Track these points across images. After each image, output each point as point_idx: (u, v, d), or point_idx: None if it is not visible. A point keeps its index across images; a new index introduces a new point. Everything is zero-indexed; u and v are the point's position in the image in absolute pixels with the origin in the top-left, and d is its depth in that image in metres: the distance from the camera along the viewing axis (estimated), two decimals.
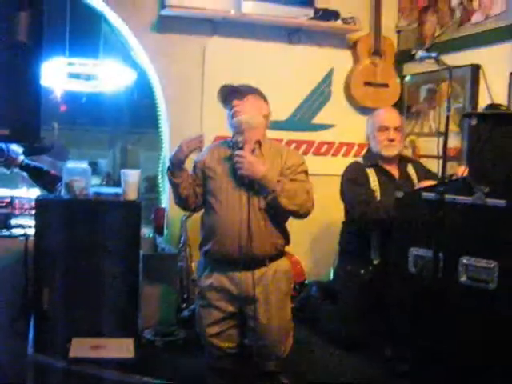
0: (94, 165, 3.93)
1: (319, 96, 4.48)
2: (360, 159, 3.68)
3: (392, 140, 3.49)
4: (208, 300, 2.99)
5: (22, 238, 3.61)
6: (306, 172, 3.01)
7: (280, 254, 3.02)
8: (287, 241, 3.05)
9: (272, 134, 4.29)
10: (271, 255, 2.96)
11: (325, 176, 4.26)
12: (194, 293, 3.32)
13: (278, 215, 2.94)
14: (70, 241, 2.98)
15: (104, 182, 4.17)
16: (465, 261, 2.72)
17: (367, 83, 4.43)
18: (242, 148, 2.89)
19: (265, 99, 3.06)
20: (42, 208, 3.06)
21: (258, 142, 2.98)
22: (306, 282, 4.10)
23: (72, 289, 2.98)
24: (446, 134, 2.81)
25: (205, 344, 3.02)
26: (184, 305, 3.57)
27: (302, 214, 2.92)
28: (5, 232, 3.71)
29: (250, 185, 2.88)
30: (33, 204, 3.61)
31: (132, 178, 3.18)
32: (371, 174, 3.49)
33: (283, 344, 2.98)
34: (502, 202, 2.63)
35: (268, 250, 2.94)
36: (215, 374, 2.98)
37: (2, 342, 3.23)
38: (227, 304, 2.96)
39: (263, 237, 2.91)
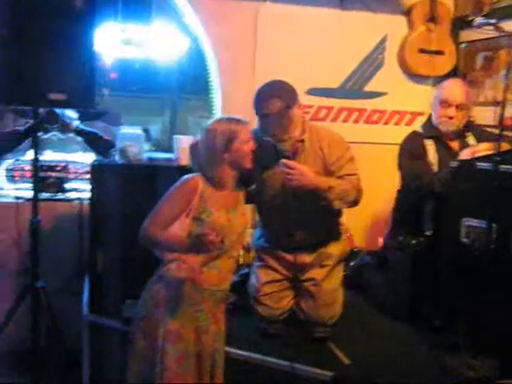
0: (145, 131, 4.00)
1: (372, 63, 4.44)
2: (420, 128, 3.62)
3: (451, 117, 3.39)
4: (265, 262, 3.10)
5: (76, 202, 3.76)
6: (351, 159, 2.96)
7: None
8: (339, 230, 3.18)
9: (323, 101, 4.36)
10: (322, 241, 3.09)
11: (376, 144, 4.27)
12: (245, 260, 3.40)
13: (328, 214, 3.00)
14: (125, 205, 3.07)
15: (153, 149, 4.25)
16: None
17: (422, 50, 4.36)
18: (288, 157, 2.79)
19: (292, 99, 2.83)
20: (97, 173, 3.15)
21: (301, 141, 2.90)
22: (356, 250, 4.13)
23: (126, 252, 3.09)
24: (503, 104, 2.78)
25: (255, 305, 3.11)
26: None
27: (352, 207, 2.96)
28: (60, 196, 3.85)
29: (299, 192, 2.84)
30: (87, 169, 3.75)
31: (185, 144, 3.24)
32: (430, 146, 3.42)
33: (332, 310, 3.05)
34: None
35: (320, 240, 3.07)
36: (265, 338, 3.07)
37: (58, 302, 3.36)
38: (282, 268, 3.07)
39: (315, 234, 3.02)
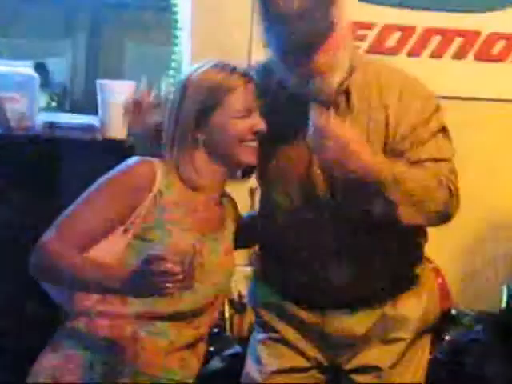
0: (39, 69, 4.03)
1: None
2: None
3: None
4: (274, 332, 3.05)
5: None
6: (443, 131, 2.87)
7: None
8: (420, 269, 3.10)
9: (394, 16, 4.37)
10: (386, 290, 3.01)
11: (498, 102, 4.27)
12: (235, 327, 3.42)
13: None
14: (7, 208, 3.17)
15: (55, 103, 4.27)
16: None
17: None
18: (326, 106, 2.70)
19: None
20: None
21: (345, 92, 2.82)
22: (454, 311, 4.14)
23: (19, 287, 3.18)
24: None
25: None
26: (213, 347, 3.66)
27: (435, 224, 2.91)
28: None
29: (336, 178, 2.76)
30: None
31: (118, 96, 3.25)
32: None
33: None
34: None
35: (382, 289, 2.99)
36: None
37: None
38: (308, 344, 3.02)
39: (371, 276, 2.93)
